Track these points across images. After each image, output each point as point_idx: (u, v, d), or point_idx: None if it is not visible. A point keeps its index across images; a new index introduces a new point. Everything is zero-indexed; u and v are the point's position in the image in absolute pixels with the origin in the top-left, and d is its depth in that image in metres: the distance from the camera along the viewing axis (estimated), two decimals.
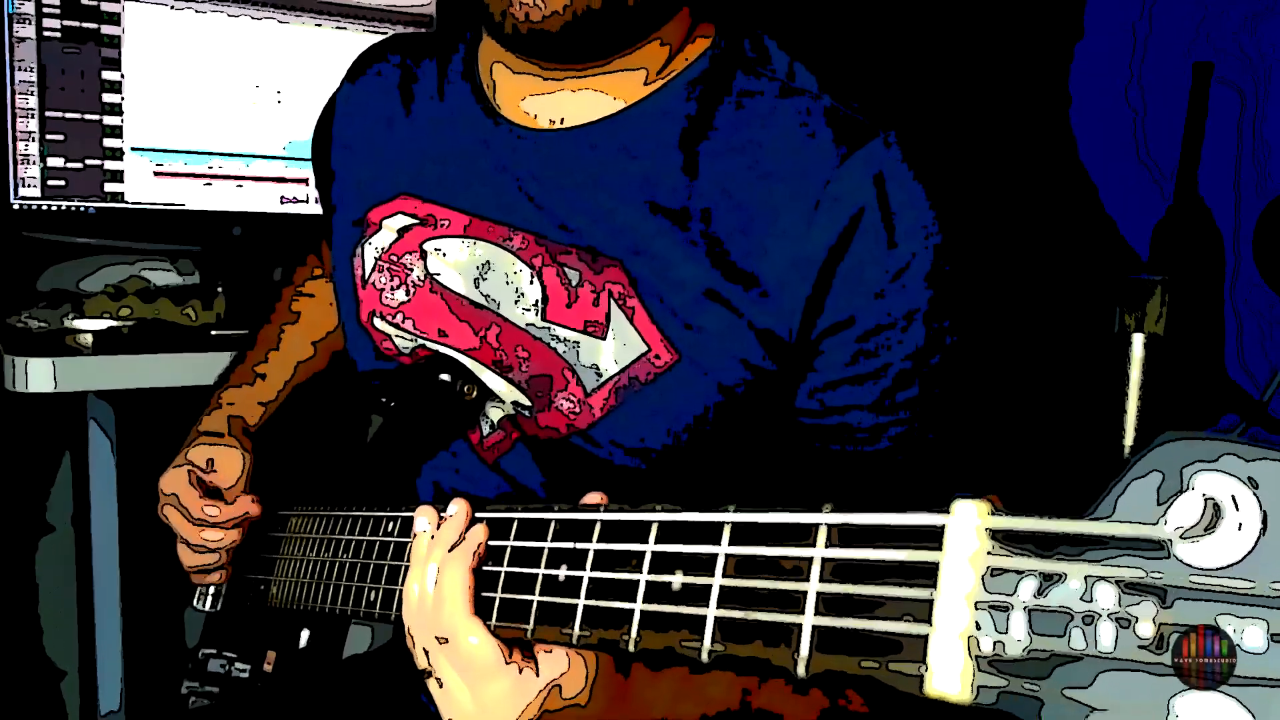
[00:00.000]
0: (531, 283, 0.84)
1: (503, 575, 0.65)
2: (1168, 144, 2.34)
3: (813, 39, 0.90)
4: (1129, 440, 2.09)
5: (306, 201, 1.75)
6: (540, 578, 0.62)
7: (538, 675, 0.65)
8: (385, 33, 1.70)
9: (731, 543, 0.50)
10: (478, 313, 0.87)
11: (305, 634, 1.01)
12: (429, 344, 0.90)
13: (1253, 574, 0.31)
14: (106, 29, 1.55)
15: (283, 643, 1.02)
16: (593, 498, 0.65)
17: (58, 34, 1.51)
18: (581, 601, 0.58)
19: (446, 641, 0.66)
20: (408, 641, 0.70)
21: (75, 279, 1.80)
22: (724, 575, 0.49)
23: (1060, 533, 0.36)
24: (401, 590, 0.75)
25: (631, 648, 0.54)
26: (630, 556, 0.56)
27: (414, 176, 0.93)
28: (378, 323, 0.93)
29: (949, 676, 0.37)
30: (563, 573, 0.60)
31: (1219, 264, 2.35)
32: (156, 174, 1.62)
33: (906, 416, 0.79)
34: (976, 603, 0.37)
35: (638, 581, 0.54)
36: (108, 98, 1.57)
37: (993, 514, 0.38)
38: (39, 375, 1.42)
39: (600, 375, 0.81)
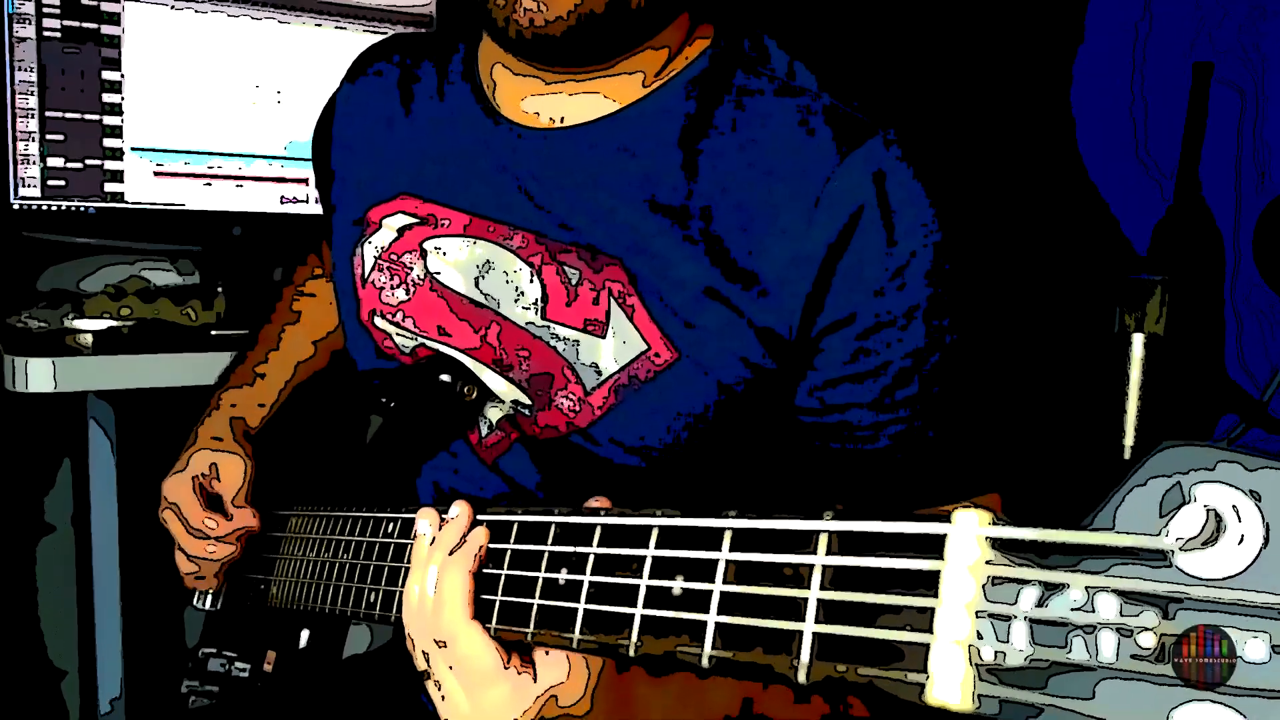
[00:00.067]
0: (531, 281, 0.84)
1: (503, 578, 0.65)
2: (1168, 144, 2.34)
3: (813, 38, 0.90)
4: (1129, 440, 2.09)
5: (306, 201, 1.75)
6: (541, 581, 0.62)
7: (535, 681, 0.65)
8: (385, 33, 1.70)
9: (732, 549, 0.50)
10: (478, 311, 0.87)
11: (305, 634, 1.01)
12: (429, 343, 0.90)
13: (1255, 585, 0.31)
14: (106, 29, 1.55)
15: (283, 643, 1.02)
16: (596, 503, 0.65)
17: (58, 34, 1.51)
18: (582, 606, 0.58)
19: (445, 645, 0.66)
20: (408, 643, 0.70)
21: (75, 279, 1.80)
22: (725, 581, 0.49)
23: (1063, 543, 0.36)
24: (401, 592, 0.75)
25: (632, 652, 0.54)
26: (631, 561, 0.56)
27: (414, 176, 0.93)
28: (378, 322, 0.93)
29: (950, 685, 0.37)
30: (563, 576, 0.60)
31: (1219, 264, 2.35)
32: (156, 174, 1.62)
33: (906, 415, 0.79)
34: (977, 612, 0.37)
35: (638, 586, 0.54)
36: (108, 98, 1.57)
37: (994, 523, 0.38)
38: (39, 375, 1.42)
39: (600, 374, 0.81)
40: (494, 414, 0.89)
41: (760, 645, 0.46)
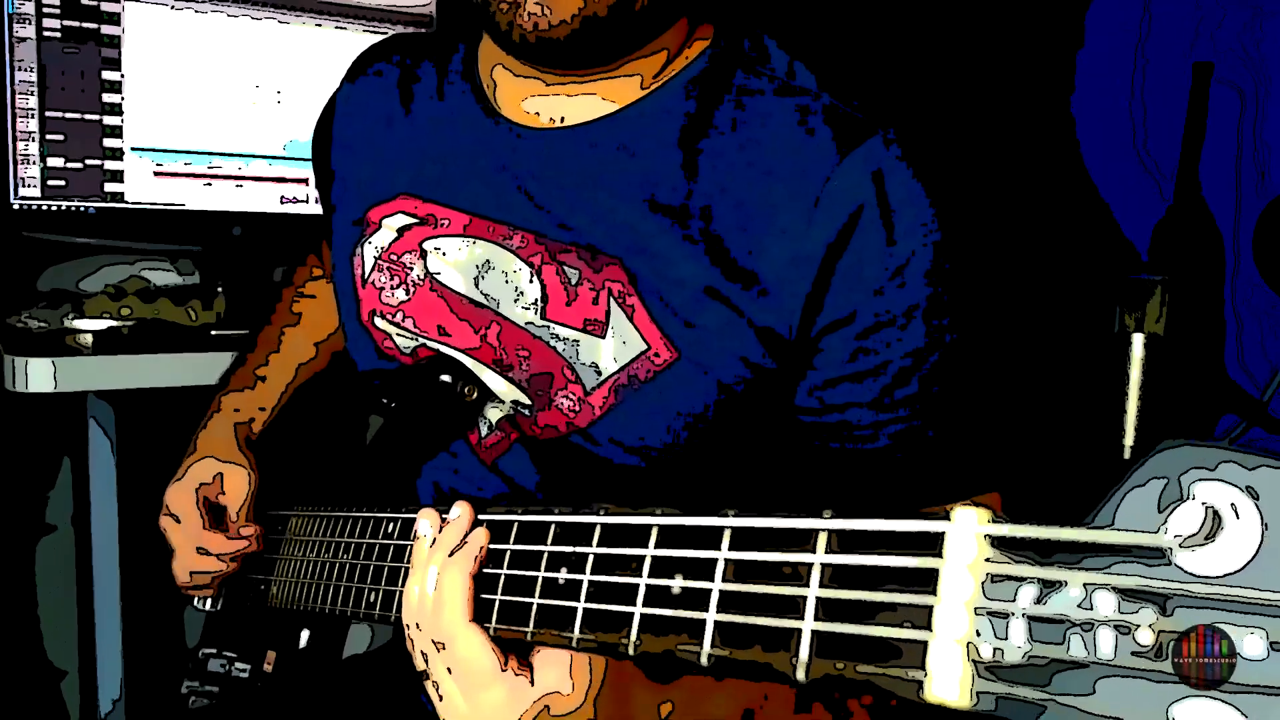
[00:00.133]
0: (531, 281, 0.84)
1: (503, 578, 0.65)
2: (1168, 144, 2.34)
3: (813, 38, 0.90)
4: (1129, 440, 2.09)
5: (306, 201, 1.75)
6: (540, 580, 0.62)
7: (532, 685, 0.65)
8: (385, 33, 1.70)
9: (731, 547, 0.50)
10: (477, 311, 0.87)
11: (305, 634, 1.01)
12: (429, 343, 0.90)
13: (1252, 582, 0.32)
14: (106, 29, 1.55)
15: (283, 643, 1.02)
16: None
17: (58, 34, 1.51)
18: (581, 605, 0.58)
19: (444, 646, 0.66)
20: (407, 644, 0.70)
21: (75, 279, 1.80)
22: (724, 580, 0.49)
23: (1060, 540, 0.36)
24: (402, 592, 0.75)
25: (631, 651, 0.54)
26: (630, 560, 0.56)
27: (414, 176, 0.93)
28: (378, 322, 0.93)
29: (948, 682, 0.38)
30: (563, 576, 0.60)
31: (1219, 264, 2.35)
32: (156, 174, 1.62)
33: (906, 414, 0.79)
34: (976, 609, 0.37)
35: (638, 585, 0.54)
36: (108, 98, 1.57)
37: (993, 521, 0.38)
38: (39, 375, 1.42)
39: (600, 374, 0.81)
40: (494, 414, 0.89)
41: (759, 643, 0.46)
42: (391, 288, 0.92)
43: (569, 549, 0.61)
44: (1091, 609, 0.34)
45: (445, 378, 0.88)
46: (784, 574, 0.46)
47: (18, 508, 1.85)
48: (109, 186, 1.59)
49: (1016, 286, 2.36)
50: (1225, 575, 0.32)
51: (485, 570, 0.66)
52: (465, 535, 0.68)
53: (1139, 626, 0.33)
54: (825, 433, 0.81)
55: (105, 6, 1.54)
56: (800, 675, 0.43)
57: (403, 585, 0.76)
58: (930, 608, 0.39)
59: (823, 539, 0.45)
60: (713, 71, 0.83)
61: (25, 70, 1.50)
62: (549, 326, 0.83)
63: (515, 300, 0.85)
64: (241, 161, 1.69)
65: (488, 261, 0.86)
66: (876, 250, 0.76)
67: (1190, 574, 0.33)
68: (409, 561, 0.72)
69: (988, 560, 0.38)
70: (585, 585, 0.58)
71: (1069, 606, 0.35)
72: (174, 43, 1.61)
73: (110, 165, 1.58)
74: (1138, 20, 2.41)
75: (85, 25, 1.53)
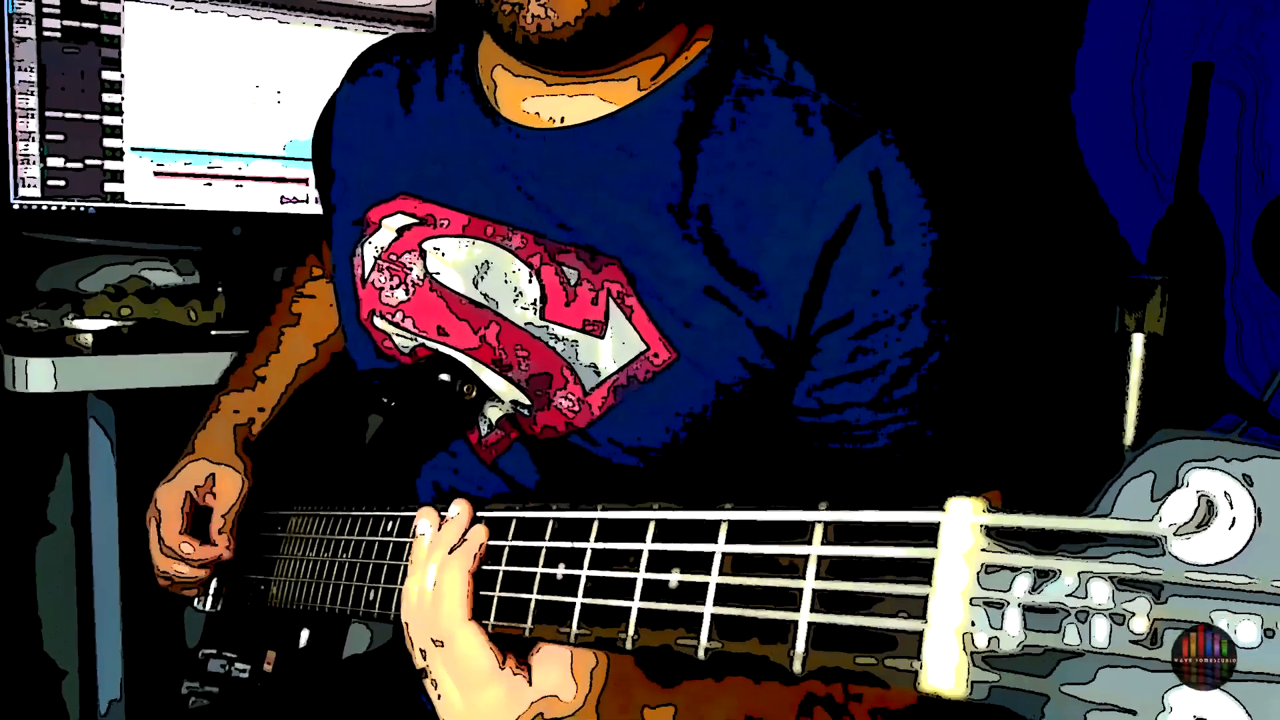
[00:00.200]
0: (530, 282, 0.84)
1: (501, 574, 0.65)
2: (1168, 144, 2.34)
3: (813, 38, 0.90)
4: (1129, 440, 2.09)
5: (306, 201, 1.75)
6: (538, 576, 0.62)
7: (531, 685, 0.65)
8: (385, 33, 1.71)
9: (728, 541, 0.50)
10: (477, 311, 0.87)
11: (305, 634, 1.01)
12: (429, 343, 0.90)
13: (1247, 570, 0.32)
14: (106, 29, 1.55)
15: (283, 643, 1.02)
16: None
17: (58, 34, 1.51)
18: (579, 600, 0.58)
19: (442, 644, 0.66)
20: (406, 642, 0.70)
21: (75, 279, 1.80)
22: (721, 573, 0.49)
23: (1055, 530, 0.36)
24: (401, 590, 0.75)
25: (629, 645, 0.54)
26: (628, 555, 0.56)
27: (414, 176, 0.93)
28: (377, 322, 0.93)
29: (944, 672, 0.38)
30: (560, 571, 0.60)
31: (1219, 264, 2.36)
32: (156, 174, 1.62)
33: (905, 414, 0.79)
34: (971, 599, 0.37)
35: (635, 579, 0.54)
36: (108, 98, 1.57)
37: (988, 511, 0.38)
38: (39, 375, 1.42)
39: (599, 374, 0.81)
40: (493, 413, 0.89)
41: (756, 636, 0.46)
42: (391, 288, 0.92)
43: (566, 545, 0.61)
44: (1086, 597, 0.34)
45: (444, 377, 0.88)
46: (781, 566, 0.46)
47: (18, 508, 1.85)
48: (109, 186, 1.59)
49: (1017, 286, 2.37)
50: (1219, 563, 0.32)
51: (483, 567, 0.67)
52: (464, 533, 0.68)
53: (1134, 615, 0.33)
54: (824, 433, 0.81)
55: (105, 6, 1.54)
56: (797, 667, 0.43)
57: (402, 583, 0.76)
58: (926, 598, 0.39)
59: (819, 531, 0.45)
60: (712, 72, 0.83)
61: (25, 70, 1.50)
62: (548, 327, 0.83)
63: (514, 300, 0.85)
64: (241, 161, 1.69)
65: (487, 262, 0.86)
66: (874, 250, 0.76)
67: (1184, 562, 0.33)
68: (408, 560, 0.72)
69: (983, 550, 0.38)
70: (583, 580, 0.58)
71: (1064, 595, 0.35)
72: (174, 43, 1.61)
73: (110, 165, 1.59)
74: (1138, 20, 2.41)
75: (85, 25, 1.53)
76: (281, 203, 1.74)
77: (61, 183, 1.55)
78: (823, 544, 0.44)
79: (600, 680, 0.65)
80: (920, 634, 0.39)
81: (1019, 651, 0.36)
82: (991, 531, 0.38)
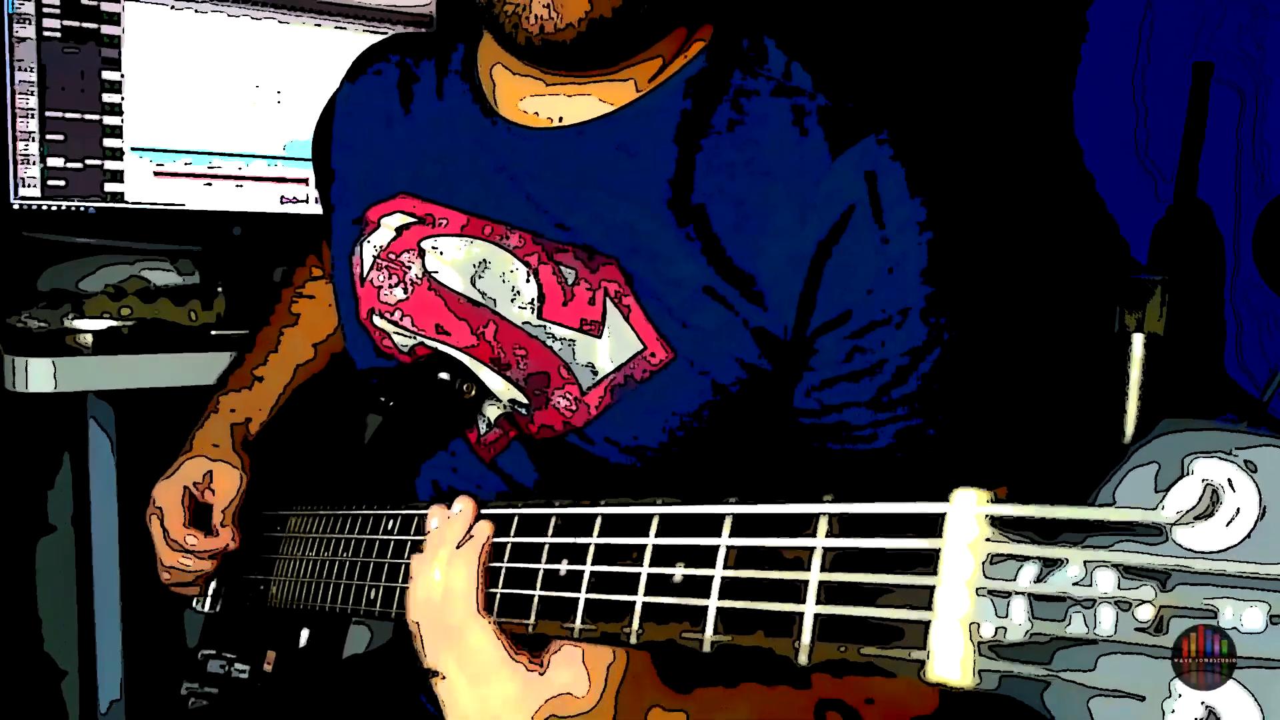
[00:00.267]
0: (528, 281, 0.84)
1: (504, 571, 0.65)
2: (1168, 144, 2.34)
3: (814, 37, 0.90)
4: (1129, 440, 2.09)
5: (306, 201, 1.75)
6: (541, 573, 0.62)
7: (544, 677, 0.63)
8: (385, 33, 1.71)
9: (732, 534, 0.50)
10: (475, 310, 0.87)
11: (305, 634, 1.01)
12: (427, 341, 0.90)
13: (1252, 556, 0.32)
14: (106, 29, 1.55)
15: (282, 643, 1.02)
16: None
17: (58, 34, 1.51)
18: (583, 595, 0.58)
19: (453, 639, 0.65)
20: (415, 641, 0.69)
21: (75, 279, 1.80)
22: (725, 566, 0.49)
23: (1060, 519, 0.36)
24: (404, 589, 0.75)
25: (633, 640, 0.54)
26: (631, 550, 0.56)
27: (413, 175, 0.93)
28: (376, 320, 0.93)
29: (950, 662, 0.38)
30: (564, 567, 0.60)
31: (1219, 264, 2.36)
32: (156, 174, 1.62)
33: (905, 413, 0.79)
34: (977, 589, 0.37)
35: (639, 574, 0.54)
36: (108, 98, 1.57)
37: (993, 501, 0.38)
38: (39, 375, 1.42)
39: (596, 373, 0.81)
40: (492, 412, 0.89)
41: (761, 628, 0.46)
42: (390, 286, 0.92)
43: (570, 540, 0.61)
44: (1092, 586, 0.34)
45: (443, 376, 0.88)
46: (785, 560, 0.46)
47: (18, 508, 1.85)
48: (109, 186, 1.59)
49: (1017, 286, 2.37)
50: (1224, 550, 0.32)
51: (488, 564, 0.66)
52: (470, 528, 0.68)
53: (1139, 603, 0.33)
54: (825, 434, 0.81)
55: (105, 6, 1.55)
56: (803, 659, 0.43)
57: (404, 582, 0.76)
58: (932, 588, 0.39)
59: (823, 523, 0.45)
60: (711, 72, 0.83)
61: (25, 70, 1.50)
62: (545, 326, 0.83)
63: (512, 300, 0.85)
64: (241, 161, 1.69)
65: (484, 261, 0.86)
66: (869, 249, 0.76)
67: (1190, 550, 0.33)
68: (411, 558, 0.71)
69: (988, 540, 0.38)
70: (587, 576, 0.58)
71: (1069, 584, 0.35)
72: (174, 43, 1.61)
73: (110, 165, 1.59)
74: (1138, 20, 2.41)
75: (85, 25, 1.53)
76: (281, 203, 1.74)
77: (61, 183, 1.55)
78: (827, 536, 0.44)
79: (617, 677, 0.64)
80: (926, 624, 0.39)
81: (1026, 640, 0.36)
82: (996, 522, 0.38)
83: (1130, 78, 2.45)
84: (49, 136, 1.53)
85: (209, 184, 1.67)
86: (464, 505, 0.68)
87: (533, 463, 0.88)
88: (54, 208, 1.55)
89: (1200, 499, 0.33)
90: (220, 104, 1.66)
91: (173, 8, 1.60)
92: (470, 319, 0.87)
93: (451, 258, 0.88)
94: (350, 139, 1.00)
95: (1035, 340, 2.36)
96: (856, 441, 0.80)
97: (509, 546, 0.65)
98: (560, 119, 0.85)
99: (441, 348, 0.89)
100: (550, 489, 0.88)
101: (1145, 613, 0.33)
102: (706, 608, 0.49)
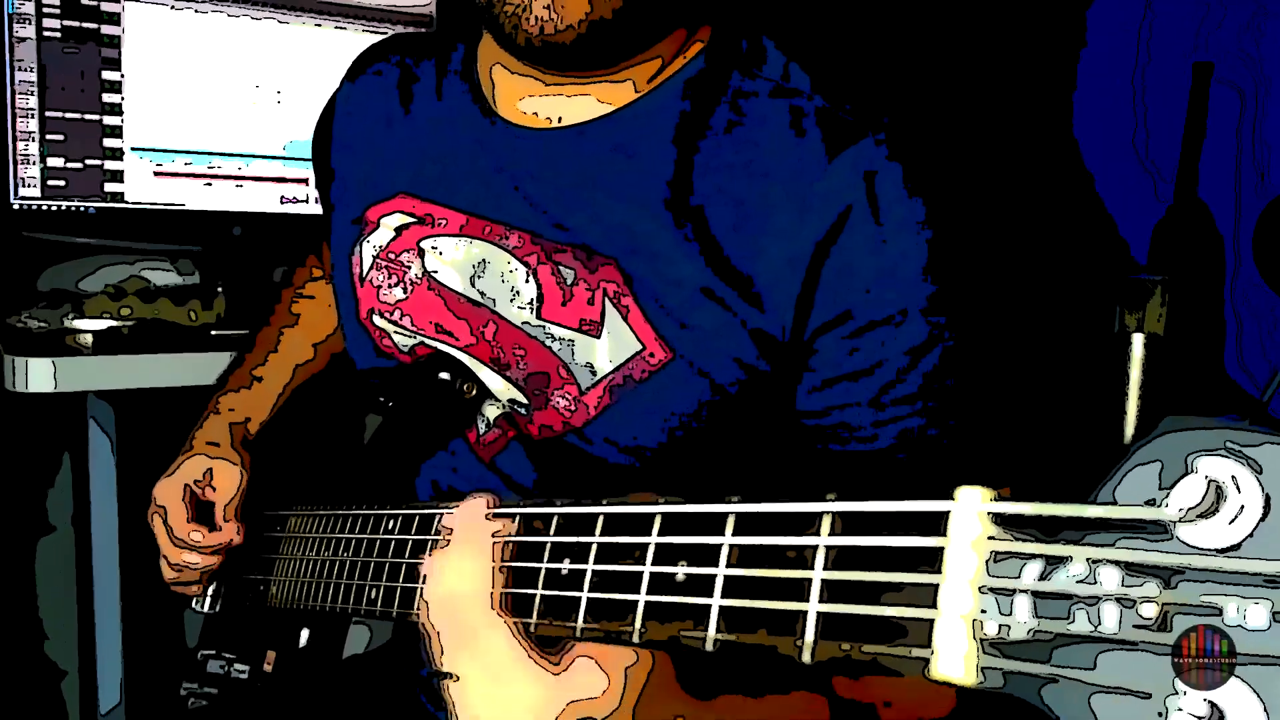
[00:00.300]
0: (527, 281, 0.84)
1: (506, 570, 0.65)
2: (1168, 144, 2.34)
3: (814, 37, 0.90)
4: (1129, 440, 2.09)
5: (306, 201, 1.75)
6: (543, 572, 0.62)
7: (565, 678, 0.60)
8: (385, 33, 1.71)
9: (735, 533, 0.50)
10: (475, 310, 0.87)
11: (305, 633, 1.01)
12: (427, 340, 0.90)
13: (1255, 554, 0.32)
14: (106, 29, 1.55)
15: (282, 643, 1.02)
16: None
17: (58, 34, 1.51)
18: (585, 594, 0.58)
19: (470, 640, 0.62)
20: (428, 643, 0.65)
21: (75, 279, 1.80)
22: (728, 565, 0.49)
23: (1063, 516, 0.36)
24: (407, 588, 0.74)
25: (635, 639, 0.54)
26: (634, 549, 0.56)
27: (412, 175, 0.93)
28: (376, 320, 0.93)
29: (953, 660, 0.38)
30: (566, 566, 0.60)
31: (1219, 264, 2.36)
32: (156, 174, 1.62)
33: (905, 413, 0.79)
34: (981, 587, 0.37)
35: (641, 573, 0.54)
36: (108, 98, 1.57)
37: (996, 499, 0.38)
38: (39, 375, 1.42)
39: (595, 374, 0.81)
40: (491, 411, 0.89)
41: (764, 627, 0.46)
42: (389, 286, 0.92)
43: (572, 539, 0.61)
44: (1095, 584, 0.34)
45: (444, 375, 0.88)
46: (788, 558, 0.46)
47: (18, 508, 1.85)
48: (109, 186, 1.59)
49: (1017, 286, 2.37)
50: (1228, 548, 0.32)
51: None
52: (485, 525, 0.65)
53: (1142, 600, 0.33)
54: (826, 434, 0.81)
55: (105, 6, 1.55)
56: (806, 657, 0.43)
57: (406, 581, 0.76)
58: (935, 586, 0.39)
59: (827, 522, 0.45)
60: (709, 73, 0.83)
61: (25, 70, 1.50)
62: (544, 326, 0.83)
63: (511, 300, 0.85)
64: (241, 161, 1.69)
65: (484, 261, 0.86)
66: (867, 249, 0.76)
67: (1193, 547, 0.33)
68: (425, 556, 0.70)
69: (991, 538, 0.38)
70: (589, 575, 0.58)
71: (1073, 582, 0.35)
72: (174, 43, 1.61)
73: (110, 165, 1.59)
74: (1138, 21, 2.41)
75: (85, 25, 1.53)
76: (281, 203, 1.74)
77: (61, 183, 1.55)
78: (830, 534, 0.44)
79: (638, 679, 0.61)
80: (930, 622, 0.39)
81: (1029, 638, 0.36)
82: (1000, 520, 0.38)
83: (1130, 78, 2.45)
84: (49, 136, 1.53)
85: (209, 184, 1.67)
86: (481, 501, 0.66)
87: (531, 463, 0.88)
88: (54, 208, 1.55)
89: (1204, 496, 0.33)
90: (220, 104, 1.66)
91: (173, 8, 1.60)
92: (470, 319, 0.87)
93: (451, 258, 0.88)
94: (350, 139, 1.00)
95: (1035, 340, 2.36)
96: (858, 442, 0.80)
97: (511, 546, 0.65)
98: (559, 119, 0.85)
99: (441, 347, 0.89)
100: (549, 489, 0.88)
101: (1149, 610, 0.33)
102: (709, 606, 0.49)
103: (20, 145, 1.51)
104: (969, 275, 0.79)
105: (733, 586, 0.49)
